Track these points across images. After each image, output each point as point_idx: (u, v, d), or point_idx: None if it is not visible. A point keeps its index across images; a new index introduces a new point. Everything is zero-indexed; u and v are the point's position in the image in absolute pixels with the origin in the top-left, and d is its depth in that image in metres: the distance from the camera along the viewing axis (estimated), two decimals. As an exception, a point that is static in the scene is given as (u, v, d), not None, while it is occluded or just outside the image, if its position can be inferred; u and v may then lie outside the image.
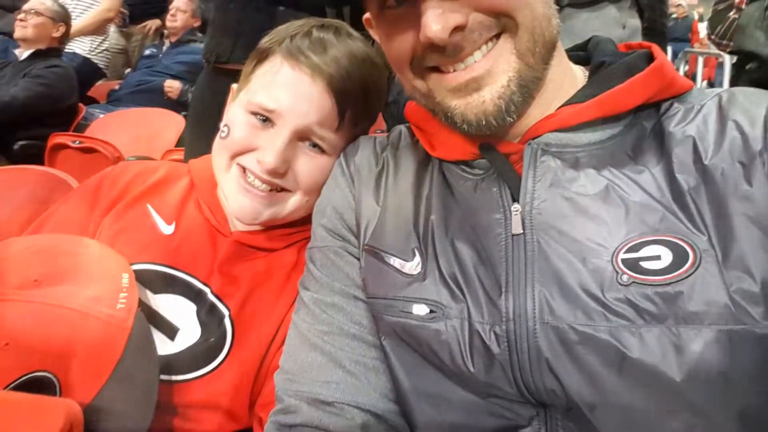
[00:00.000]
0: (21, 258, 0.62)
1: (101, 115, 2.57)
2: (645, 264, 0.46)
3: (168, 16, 3.20)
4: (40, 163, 1.92)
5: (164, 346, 0.66)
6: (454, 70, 0.51)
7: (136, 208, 0.74)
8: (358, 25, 0.66)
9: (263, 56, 0.69)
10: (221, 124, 0.71)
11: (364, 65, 0.68)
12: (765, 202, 0.45)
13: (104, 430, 0.56)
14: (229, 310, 0.69)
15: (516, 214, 0.52)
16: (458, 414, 0.52)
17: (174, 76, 2.91)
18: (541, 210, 0.51)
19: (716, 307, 0.43)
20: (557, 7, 0.53)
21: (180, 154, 1.78)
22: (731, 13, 1.88)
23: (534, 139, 0.53)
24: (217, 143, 0.71)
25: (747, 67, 1.52)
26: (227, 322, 0.68)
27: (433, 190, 0.59)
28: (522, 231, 0.51)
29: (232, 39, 1.25)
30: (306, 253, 0.66)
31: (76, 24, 2.86)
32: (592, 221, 0.49)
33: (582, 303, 0.46)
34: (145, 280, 0.69)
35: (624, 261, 0.46)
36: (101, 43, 3.19)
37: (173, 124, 2.32)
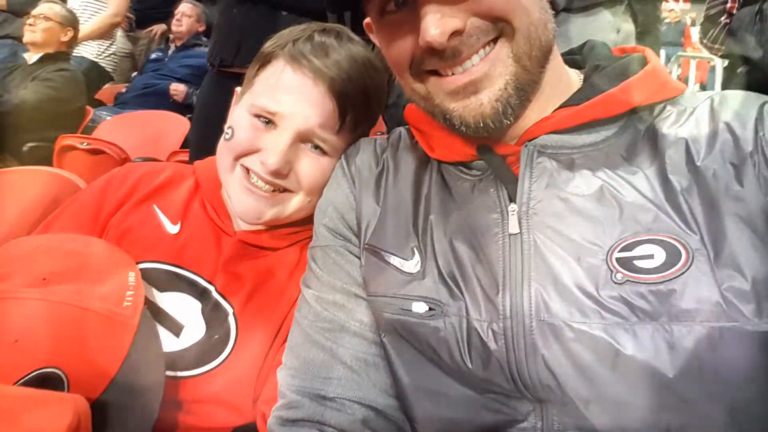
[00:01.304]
0: (30, 257, 0.64)
1: (108, 118, 2.59)
2: (639, 263, 0.47)
3: (173, 21, 3.23)
4: (49, 164, 1.94)
5: (170, 343, 0.68)
6: (453, 74, 0.52)
7: (143, 208, 0.75)
8: (358, 29, 0.67)
9: (266, 60, 0.70)
10: (225, 126, 0.73)
11: (365, 69, 0.69)
12: (756, 202, 0.46)
13: (111, 425, 0.58)
14: (233, 307, 0.70)
15: (513, 214, 0.53)
16: (456, 409, 0.53)
17: (179, 80, 2.94)
18: (537, 210, 0.52)
19: (708, 304, 0.44)
20: (553, 12, 0.54)
21: (185, 156, 1.80)
22: (723, 18, 1.89)
23: (530, 140, 0.54)
24: (221, 145, 0.72)
25: (738, 70, 1.52)
26: (231, 319, 0.69)
27: (432, 191, 0.60)
28: (519, 230, 0.52)
29: (236, 43, 1.27)
30: (308, 252, 0.67)
31: (84, 28, 2.89)
32: (587, 221, 0.50)
33: (577, 301, 0.47)
34: (151, 278, 0.70)
35: (618, 260, 0.47)
36: (108, 47, 3.23)
37: (178, 126, 2.34)
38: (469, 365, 0.51)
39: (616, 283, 0.46)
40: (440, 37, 0.48)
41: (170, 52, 3.21)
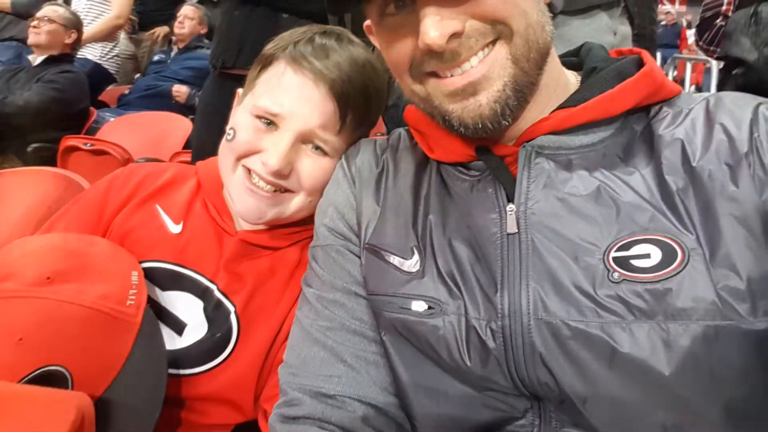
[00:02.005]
0: (34, 256, 0.64)
1: (111, 119, 2.61)
2: (635, 262, 0.47)
3: (176, 23, 3.24)
4: (53, 165, 1.96)
5: (172, 342, 0.68)
6: (452, 75, 0.53)
7: (145, 208, 0.76)
8: (358, 31, 0.67)
9: (268, 62, 0.71)
10: (227, 127, 0.73)
11: (365, 70, 0.69)
12: (751, 202, 0.46)
13: (114, 422, 0.58)
14: (234, 306, 0.70)
15: (511, 214, 0.53)
16: (455, 406, 0.54)
17: (182, 81, 2.95)
18: (535, 210, 0.52)
19: (704, 303, 0.44)
20: (550, 15, 0.54)
21: (187, 156, 1.81)
22: (718, 21, 1.90)
23: (528, 141, 0.55)
24: (223, 146, 0.73)
25: (733, 72, 1.53)
26: (233, 318, 0.70)
27: (431, 191, 0.61)
28: (517, 230, 0.52)
29: (238, 45, 1.28)
30: (309, 252, 0.68)
31: (88, 31, 2.90)
32: (584, 221, 0.50)
33: (574, 300, 0.48)
34: (154, 277, 0.71)
35: (615, 259, 0.48)
36: (112, 49, 3.24)
37: (181, 127, 2.36)
38: (468, 363, 0.51)
39: (612, 282, 0.47)
40: (439, 39, 0.49)
41: (173, 54, 3.22)
